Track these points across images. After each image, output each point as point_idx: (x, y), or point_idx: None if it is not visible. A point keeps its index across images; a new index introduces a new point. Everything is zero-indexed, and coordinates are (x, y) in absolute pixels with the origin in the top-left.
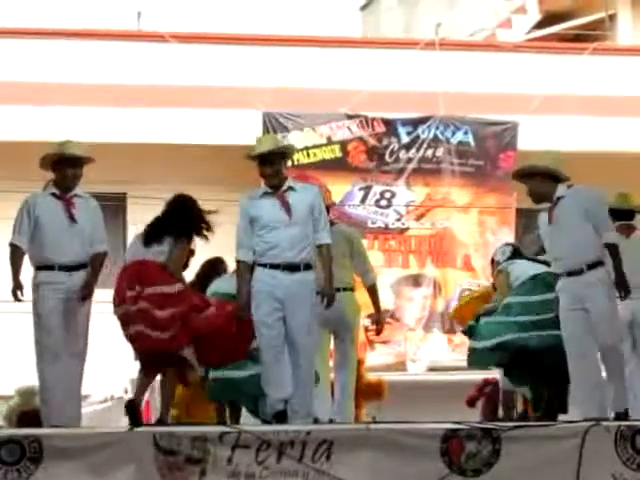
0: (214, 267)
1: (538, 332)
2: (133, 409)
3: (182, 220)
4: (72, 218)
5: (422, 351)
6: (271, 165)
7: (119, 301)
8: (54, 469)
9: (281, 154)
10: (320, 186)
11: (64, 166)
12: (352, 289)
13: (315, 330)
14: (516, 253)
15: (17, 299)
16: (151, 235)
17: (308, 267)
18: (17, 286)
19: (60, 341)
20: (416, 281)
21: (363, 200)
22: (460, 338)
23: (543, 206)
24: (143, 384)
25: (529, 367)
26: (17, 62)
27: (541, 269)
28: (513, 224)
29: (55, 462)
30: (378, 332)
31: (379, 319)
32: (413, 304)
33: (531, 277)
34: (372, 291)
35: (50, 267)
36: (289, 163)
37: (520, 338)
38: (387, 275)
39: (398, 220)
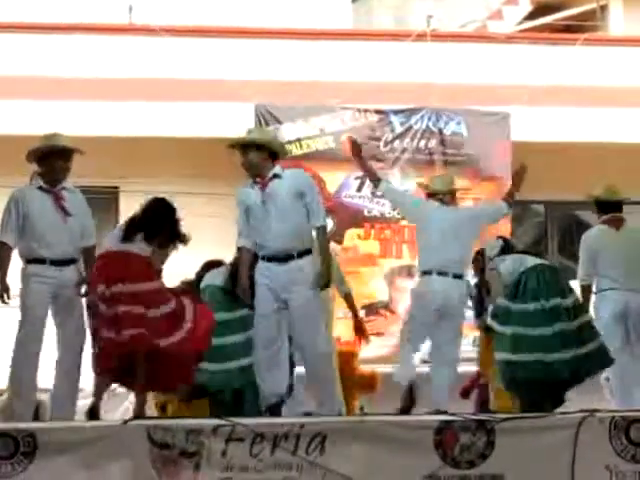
0: (214, 268)
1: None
2: (95, 417)
3: (156, 226)
4: (65, 212)
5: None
6: (244, 156)
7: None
8: (48, 463)
9: (256, 146)
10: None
11: (54, 158)
12: None
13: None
14: (506, 247)
15: (3, 301)
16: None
17: (302, 254)
18: (3, 288)
19: (40, 335)
20: (409, 272)
21: (359, 189)
22: None
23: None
24: (101, 388)
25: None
26: (6, 56)
27: (534, 262)
28: (509, 215)
29: (49, 456)
30: (361, 338)
31: (360, 326)
32: (408, 295)
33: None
34: (349, 300)
35: (41, 261)
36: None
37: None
38: (382, 266)
39: (394, 209)
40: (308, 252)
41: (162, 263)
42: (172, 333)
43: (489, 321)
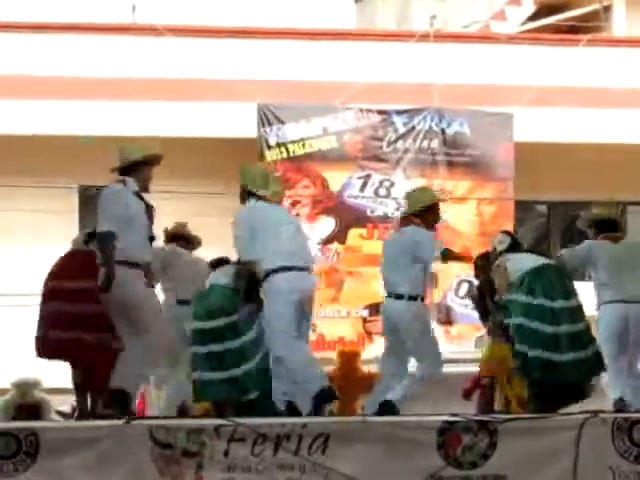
0: (219, 266)
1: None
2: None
3: None
4: (152, 222)
5: None
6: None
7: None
8: (50, 462)
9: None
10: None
11: (149, 167)
12: None
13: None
14: (514, 243)
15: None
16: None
17: None
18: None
19: None
20: None
21: (362, 189)
22: (457, 330)
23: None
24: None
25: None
26: (11, 56)
27: (539, 261)
28: (512, 214)
29: (51, 455)
30: None
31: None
32: None
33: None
34: None
35: (136, 265)
36: (284, 155)
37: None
38: None
39: (397, 210)
40: None
41: None
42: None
43: (519, 320)
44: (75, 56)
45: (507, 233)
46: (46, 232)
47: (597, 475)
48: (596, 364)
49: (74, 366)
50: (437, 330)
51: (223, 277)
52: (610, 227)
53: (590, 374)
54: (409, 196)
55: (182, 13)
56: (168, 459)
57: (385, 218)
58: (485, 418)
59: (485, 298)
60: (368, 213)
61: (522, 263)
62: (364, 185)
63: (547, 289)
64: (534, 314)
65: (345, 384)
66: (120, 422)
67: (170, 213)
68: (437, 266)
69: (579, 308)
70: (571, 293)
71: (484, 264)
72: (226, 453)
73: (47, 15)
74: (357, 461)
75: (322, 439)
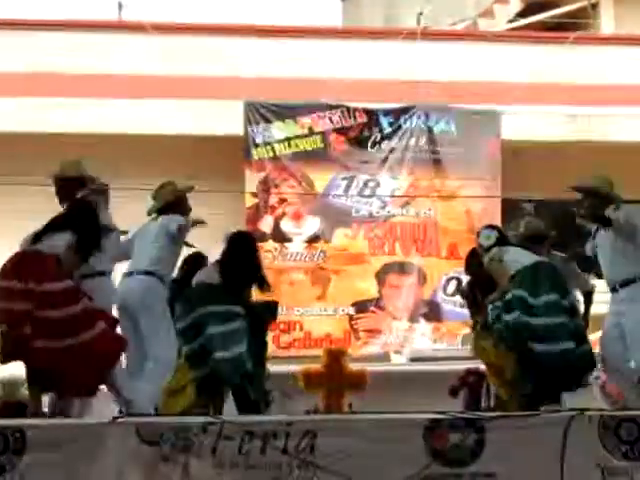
0: (196, 261)
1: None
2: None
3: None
4: None
5: (407, 341)
6: None
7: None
8: (37, 460)
9: None
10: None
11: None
12: None
13: None
14: (501, 237)
15: None
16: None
17: None
18: None
19: None
20: (402, 269)
21: (347, 189)
22: (446, 327)
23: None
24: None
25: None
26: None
27: (533, 257)
28: (499, 212)
29: (38, 453)
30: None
31: None
32: (399, 293)
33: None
34: None
35: None
36: (270, 154)
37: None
38: (372, 264)
39: (383, 208)
40: None
41: (77, 266)
42: (79, 333)
43: (508, 317)
44: (60, 53)
45: (492, 227)
46: None
47: (585, 472)
48: (589, 361)
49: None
50: (426, 328)
51: (208, 275)
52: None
53: (582, 368)
54: None
55: (168, 11)
56: (155, 456)
57: (370, 217)
58: (472, 416)
59: (476, 294)
60: (353, 213)
61: (517, 257)
62: (348, 186)
63: (540, 286)
64: (534, 310)
65: (332, 382)
66: (106, 420)
67: None
68: (426, 263)
69: (575, 309)
70: (566, 291)
71: (474, 261)
72: (214, 450)
73: (31, 12)
74: (345, 458)
75: (310, 436)
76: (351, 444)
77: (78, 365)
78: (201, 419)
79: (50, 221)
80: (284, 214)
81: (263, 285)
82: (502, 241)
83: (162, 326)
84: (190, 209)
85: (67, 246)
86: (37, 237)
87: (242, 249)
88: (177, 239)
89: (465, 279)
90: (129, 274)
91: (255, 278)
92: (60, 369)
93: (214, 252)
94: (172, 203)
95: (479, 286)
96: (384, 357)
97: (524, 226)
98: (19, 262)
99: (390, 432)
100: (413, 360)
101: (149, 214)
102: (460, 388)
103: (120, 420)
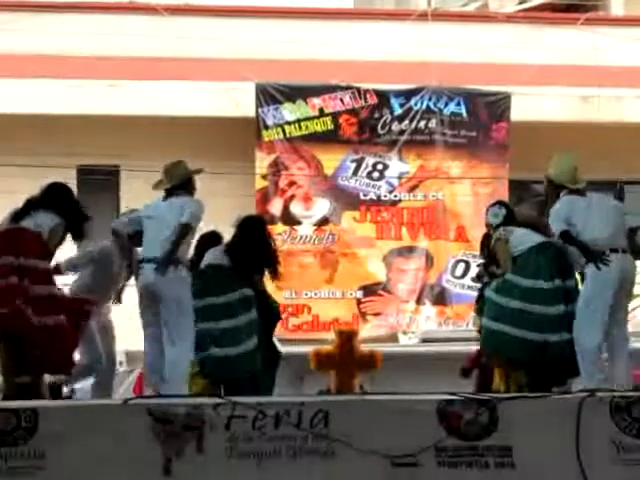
0: (211, 240)
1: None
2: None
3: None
4: None
5: (414, 323)
6: None
7: None
8: (49, 442)
9: None
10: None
11: None
12: None
13: None
14: (510, 215)
15: None
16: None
17: None
18: None
19: None
20: (409, 253)
21: (355, 172)
22: (452, 310)
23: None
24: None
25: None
26: (7, 35)
27: (538, 239)
28: (507, 195)
29: (50, 435)
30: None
31: None
32: (406, 276)
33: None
34: None
35: None
36: (280, 136)
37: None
38: (379, 247)
39: (390, 192)
40: None
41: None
42: (50, 314)
43: (487, 292)
44: (71, 35)
45: (501, 204)
46: None
47: (600, 448)
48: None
49: None
50: (432, 311)
51: (216, 257)
52: None
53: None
54: None
55: None
56: (169, 433)
57: (378, 201)
58: (483, 397)
59: (493, 275)
60: (361, 196)
61: (524, 238)
62: (357, 168)
63: (546, 268)
64: (531, 296)
65: (343, 362)
66: (118, 401)
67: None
68: (434, 246)
69: (575, 290)
70: (569, 273)
71: (488, 242)
72: (227, 426)
73: None
74: (359, 432)
75: (322, 414)
76: (364, 420)
77: (62, 343)
78: (212, 400)
79: (29, 201)
80: (293, 197)
81: (273, 271)
82: (510, 219)
83: (189, 312)
84: (195, 189)
85: (53, 226)
86: (17, 216)
87: (252, 234)
88: (194, 229)
89: (473, 262)
90: (150, 260)
91: (265, 263)
92: (51, 345)
93: (225, 231)
94: (185, 182)
95: (495, 266)
96: (391, 339)
97: None
98: (6, 238)
99: (404, 410)
100: (424, 341)
101: (156, 189)
102: (471, 369)
103: (131, 402)
